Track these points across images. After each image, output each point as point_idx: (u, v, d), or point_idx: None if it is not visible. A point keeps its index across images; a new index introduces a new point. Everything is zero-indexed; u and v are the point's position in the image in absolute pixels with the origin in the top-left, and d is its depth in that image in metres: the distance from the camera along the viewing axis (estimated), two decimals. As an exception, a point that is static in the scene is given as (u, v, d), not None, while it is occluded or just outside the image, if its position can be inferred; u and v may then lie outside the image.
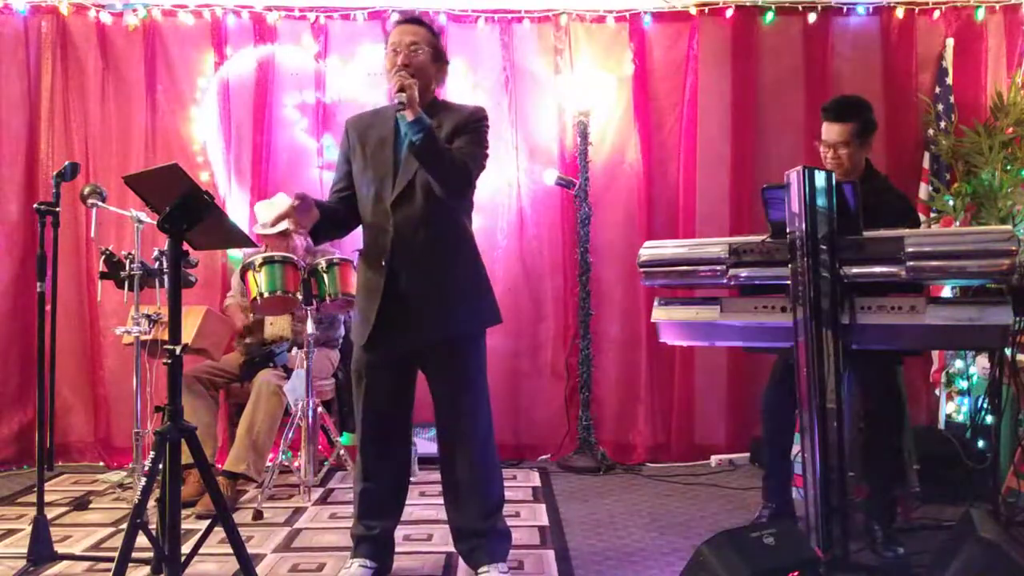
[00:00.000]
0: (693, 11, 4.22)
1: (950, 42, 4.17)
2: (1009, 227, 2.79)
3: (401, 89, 2.19)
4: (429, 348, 2.42)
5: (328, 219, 2.40)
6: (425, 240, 2.35)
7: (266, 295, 3.33)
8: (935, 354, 3.90)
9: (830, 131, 2.80)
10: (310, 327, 3.39)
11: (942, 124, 4.08)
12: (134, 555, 1.94)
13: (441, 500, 2.54)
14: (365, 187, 2.42)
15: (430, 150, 2.23)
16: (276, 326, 3.80)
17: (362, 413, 2.49)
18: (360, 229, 2.52)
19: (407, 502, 2.60)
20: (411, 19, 2.43)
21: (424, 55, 2.36)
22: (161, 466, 1.95)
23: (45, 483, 2.71)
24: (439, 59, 2.43)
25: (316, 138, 4.24)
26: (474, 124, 2.40)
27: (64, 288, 3.84)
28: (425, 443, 3.98)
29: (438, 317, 2.37)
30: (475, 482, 2.47)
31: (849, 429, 2.34)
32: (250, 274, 3.37)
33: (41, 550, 2.65)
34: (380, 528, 2.52)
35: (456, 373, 2.46)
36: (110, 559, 1.99)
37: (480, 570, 2.47)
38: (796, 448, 2.81)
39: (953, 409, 3.84)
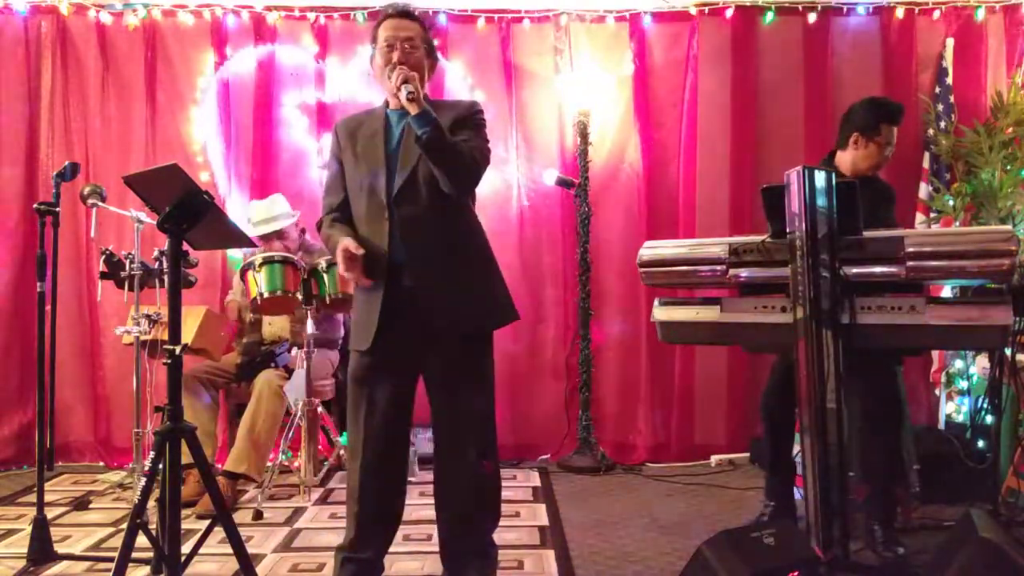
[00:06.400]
0: (693, 11, 4.22)
1: (950, 42, 4.16)
2: (1009, 227, 2.79)
3: (406, 81, 2.11)
4: (435, 348, 2.29)
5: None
6: (431, 235, 2.24)
7: (266, 295, 3.34)
8: (935, 354, 3.90)
9: (892, 134, 2.89)
10: (310, 327, 3.39)
11: (942, 124, 4.07)
12: (134, 555, 1.94)
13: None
14: (357, 183, 2.31)
15: (439, 144, 2.13)
16: (275, 326, 3.80)
17: (364, 421, 2.30)
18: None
19: (407, 502, 2.52)
20: (404, 13, 2.31)
21: (420, 52, 2.28)
22: (161, 466, 1.95)
23: (45, 483, 2.72)
24: (431, 55, 2.35)
25: (316, 138, 4.24)
26: (474, 118, 2.32)
27: (64, 288, 3.83)
28: (425, 443, 3.98)
29: (448, 310, 2.24)
30: (474, 496, 2.35)
31: (849, 429, 2.33)
32: (250, 274, 3.37)
33: (41, 550, 2.65)
34: (372, 552, 2.36)
35: (463, 375, 2.33)
36: (110, 559, 1.99)
37: None
38: (796, 448, 2.81)
39: (953, 409, 3.84)
